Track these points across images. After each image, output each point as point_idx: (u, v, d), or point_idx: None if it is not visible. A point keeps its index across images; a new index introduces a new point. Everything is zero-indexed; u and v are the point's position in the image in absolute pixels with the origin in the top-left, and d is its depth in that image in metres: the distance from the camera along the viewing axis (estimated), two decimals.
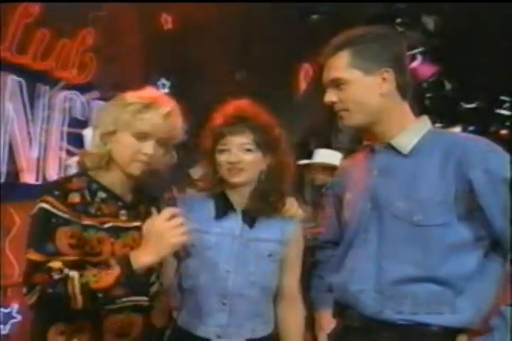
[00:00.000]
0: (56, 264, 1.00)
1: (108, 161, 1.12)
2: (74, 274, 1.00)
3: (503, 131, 6.28)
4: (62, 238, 1.03)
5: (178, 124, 1.14)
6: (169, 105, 1.12)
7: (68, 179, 1.12)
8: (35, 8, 2.47)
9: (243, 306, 1.22)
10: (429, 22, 4.54)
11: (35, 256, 1.01)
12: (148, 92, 1.16)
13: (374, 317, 1.04)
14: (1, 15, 2.26)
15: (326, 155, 2.78)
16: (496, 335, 0.97)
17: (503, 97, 5.75)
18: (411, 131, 1.08)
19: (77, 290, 0.98)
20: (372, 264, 1.06)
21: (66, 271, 1.00)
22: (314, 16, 4.39)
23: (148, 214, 1.15)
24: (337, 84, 1.08)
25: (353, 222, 1.12)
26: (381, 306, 1.04)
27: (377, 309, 1.04)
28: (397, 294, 1.03)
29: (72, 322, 1.06)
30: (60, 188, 1.07)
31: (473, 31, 4.24)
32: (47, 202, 1.04)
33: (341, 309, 1.13)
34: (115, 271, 1.00)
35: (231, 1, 3.52)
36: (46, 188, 1.08)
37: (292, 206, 1.31)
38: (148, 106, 1.09)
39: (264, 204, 1.25)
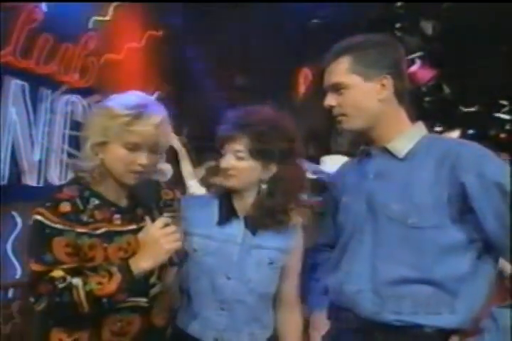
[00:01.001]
0: (58, 273, 1.04)
1: (101, 170, 1.13)
2: (78, 282, 1.04)
3: (503, 135, 6.30)
4: (58, 247, 1.06)
5: (169, 131, 1.15)
6: (158, 114, 1.12)
7: (59, 189, 1.13)
8: (39, 14, 2.51)
9: (241, 311, 1.23)
10: (428, 27, 4.58)
11: (36, 267, 1.05)
12: (136, 99, 1.12)
13: (369, 319, 1.06)
14: (0, 18, 2.29)
15: (335, 161, 2.72)
16: (486, 336, 0.98)
17: (502, 101, 5.77)
18: (407, 135, 1.11)
19: (83, 297, 1.03)
20: (367, 265, 1.08)
21: (69, 278, 1.04)
22: (314, 21, 4.42)
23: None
24: (337, 88, 1.10)
25: (349, 224, 1.15)
26: (376, 307, 1.06)
27: (371, 310, 1.06)
28: (392, 295, 1.05)
29: (73, 321, 1.09)
30: (51, 199, 1.10)
31: (471, 35, 4.27)
32: (40, 213, 1.07)
33: (336, 311, 1.15)
34: (117, 277, 1.04)
35: (231, 1, 3.55)
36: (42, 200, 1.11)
37: (294, 215, 1.30)
38: (137, 117, 1.08)
39: (268, 220, 1.24)
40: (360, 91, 1.09)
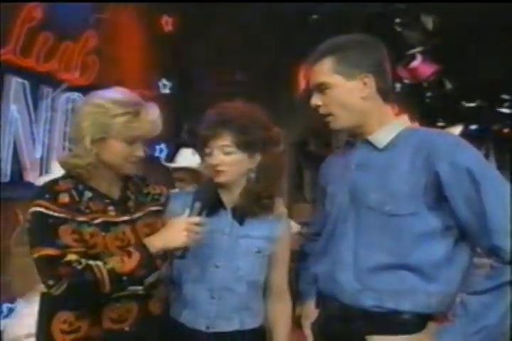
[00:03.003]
0: (73, 257, 1.08)
1: (95, 164, 1.17)
2: (98, 263, 1.08)
3: (505, 130, 6.28)
4: (65, 235, 1.10)
5: (160, 124, 1.22)
6: (154, 110, 1.19)
7: (55, 182, 1.17)
8: (39, 12, 2.53)
9: (231, 299, 1.27)
10: (429, 21, 4.56)
11: (49, 251, 1.08)
12: (127, 96, 1.18)
13: (351, 305, 1.10)
14: (0, 17, 2.31)
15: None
16: (457, 322, 1.01)
17: (503, 96, 5.75)
18: (387, 127, 1.15)
19: (105, 275, 1.07)
20: (350, 254, 1.12)
21: (84, 261, 1.08)
22: (314, 16, 4.42)
23: (137, 209, 1.23)
24: (321, 88, 1.15)
25: (334, 213, 1.19)
26: (358, 294, 1.10)
27: (354, 297, 1.10)
28: (372, 282, 1.09)
29: (74, 310, 1.13)
30: (49, 191, 1.13)
31: (472, 30, 4.26)
32: (40, 205, 1.10)
33: (323, 298, 1.20)
34: (136, 255, 1.10)
35: (231, 1, 3.56)
36: (35, 193, 1.15)
37: (279, 205, 1.36)
38: (137, 114, 1.14)
39: (254, 205, 1.29)
40: (343, 90, 1.13)
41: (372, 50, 1.15)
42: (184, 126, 3.79)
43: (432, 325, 1.06)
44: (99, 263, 1.08)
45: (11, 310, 2.52)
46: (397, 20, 4.55)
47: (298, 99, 4.16)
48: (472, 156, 1.07)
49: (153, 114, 1.18)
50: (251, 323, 1.30)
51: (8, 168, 2.51)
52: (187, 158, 2.58)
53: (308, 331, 1.29)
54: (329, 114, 1.15)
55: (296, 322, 1.39)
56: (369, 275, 1.09)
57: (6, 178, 2.51)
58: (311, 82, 1.17)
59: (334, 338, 1.14)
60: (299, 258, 1.41)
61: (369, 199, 1.11)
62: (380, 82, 1.14)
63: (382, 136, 1.14)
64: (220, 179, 1.28)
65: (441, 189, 1.05)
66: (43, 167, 2.71)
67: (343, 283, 1.12)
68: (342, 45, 1.15)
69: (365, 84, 1.13)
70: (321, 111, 1.16)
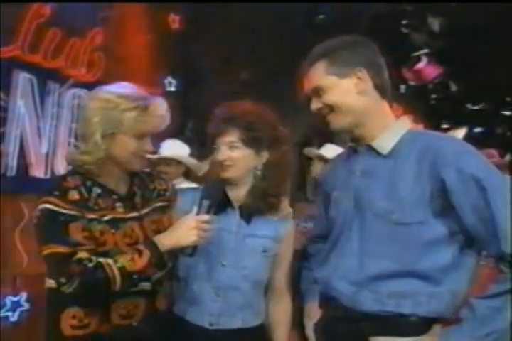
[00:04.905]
0: (84, 254, 1.08)
1: (103, 160, 1.17)
2: (108, 261, 1.09)
3: (509, 133, 6.26)
4: (76, 232, 1.10)
5: (169, 117, 1.23)
6: (163, 104, 1.20)
7: (63, 178, 1.18)
8: (47, 9, 2.55)
9: (236, 297, 1.29)
10: (435, 23, 4.55)
11: (60, 249, 1.08)
12: (135, 91, 1.18)
13: (355, 309, 1.10)
14: (0, 15, 2.32)
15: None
16: (464, 325, 1.01)
17: (508, 99, 5.74)
18: (390, 132, 1.14)
19: (117, 273, 1.08)
20: (354, 260, 1.12)
21: (94, 259, 1.08)
22: (320, 16, 4.42)
23: (144, 204, 1.24)
24: (317, 92, 1.14)
25: (339, 219, 1.18)
26: (362, 299, 1.09)
27: (358, 301, 1.10)
28: (378, 287, 1.08)
29: (83, 306, 1.14)
30: (59, 188, 1.13)
31: (478, 32, 4.25)
32: (49, 202, 1.10)
33: (326, 300, 1.19)
34: (146, 253, 1.10)
35: (234, 1, 3.58)
36: (45, 190, 1.14)
37: (286, 205, 1.37)
38: (146, 109, 1.15)
39: (261, 203, 1.31)
40: (338, 89, 1.13)
41: (362, 48, 1.15)
42: (188, 124, 3.80)
43: (437, 328, 1.06)
44: (110, 261, 1.08)
45: (14, 303, 2.55)
46: (404, 21, 4.55)
47: (302, 98, 4.17)
48: (478, 163, 1.05)
49: (161, 108, 1.19)
50: (253, 321, 1.32)
51: (14, 163, 2.53)
52: (169, 148, 2.57)
53: (310, 332, 1.29)
54: (329, 115, 1.15)
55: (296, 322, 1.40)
56: (374, 282, 1.09)
57: (12, 173, 2.53)
58: (307, 88, 1.17)
59: (338, 339, 1.14)
60: (302, 258, 1.41)
61: (375, 207, 1.10)
62: (375, 77, 1.13)
63: (385, 142, 1.13)
64: (227, 174, 1.29)
65: (447, 196, 1.04)
66: (49, 162, 2.73)
67: (345, 288, 1.12)
68: (332, 48, 1.15)
69: (359, 79, 1.12)
70: (322, 114, 1.15)
